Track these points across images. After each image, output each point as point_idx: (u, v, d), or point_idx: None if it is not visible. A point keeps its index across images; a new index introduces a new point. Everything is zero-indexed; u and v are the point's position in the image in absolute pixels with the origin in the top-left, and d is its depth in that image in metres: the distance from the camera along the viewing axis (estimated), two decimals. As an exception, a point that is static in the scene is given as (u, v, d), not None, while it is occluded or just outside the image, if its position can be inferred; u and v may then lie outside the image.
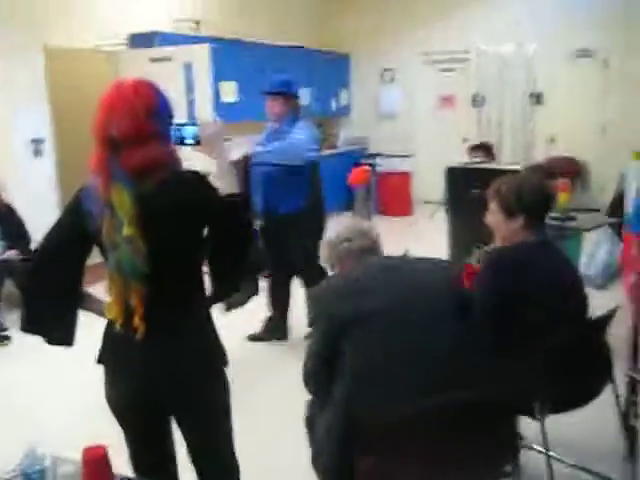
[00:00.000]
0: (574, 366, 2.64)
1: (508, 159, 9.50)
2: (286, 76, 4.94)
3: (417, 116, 10.86)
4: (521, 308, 2.59)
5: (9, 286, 5.65)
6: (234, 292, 2.12)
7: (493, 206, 2.83)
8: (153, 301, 1.94)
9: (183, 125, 2.19)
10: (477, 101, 10.00)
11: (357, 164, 10.00)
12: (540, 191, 2.80)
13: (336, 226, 2.56)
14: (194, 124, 2.19)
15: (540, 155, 9.26)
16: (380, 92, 11.13)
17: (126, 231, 1.87)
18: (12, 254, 5.69)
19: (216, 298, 2.11)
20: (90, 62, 7.64)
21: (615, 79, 9.21)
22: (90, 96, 7.68)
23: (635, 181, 4.79)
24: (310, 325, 2.38)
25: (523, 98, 9.66)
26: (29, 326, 2.05)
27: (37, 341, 2.08)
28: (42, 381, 4.58)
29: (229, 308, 2.12)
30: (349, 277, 2.34)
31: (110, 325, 2.03)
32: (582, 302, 2.83)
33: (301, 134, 4.59)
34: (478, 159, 5.97)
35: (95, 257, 2.06)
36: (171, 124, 2.04)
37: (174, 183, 1.95)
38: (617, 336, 3.00)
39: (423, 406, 1.95)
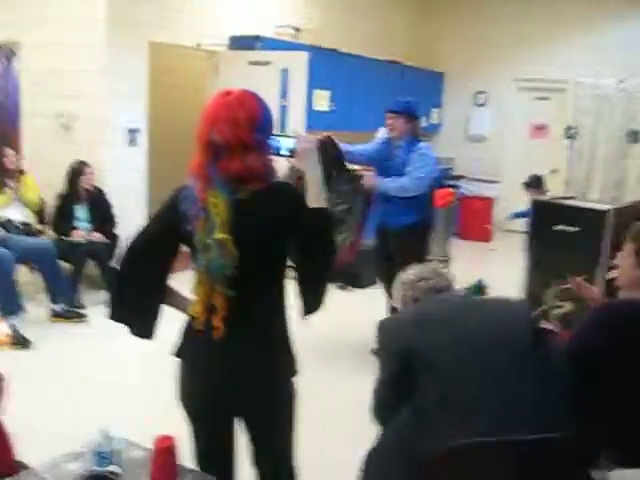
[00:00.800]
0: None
1: (596, 195, 9.25)
2: (410, 98, 5.12)
3: (506, 142, 10.71)
4: (615, 363, 2.36)
5: (91, 267, 5.88)
6: (319, 307, 2.15)
7: (627, 248, 2.60)
8: (235, 304, 2.01)
9: (280, 136, 2.26)
10: (570, 133, 9.78)
11: (441, 185, 9.89)
12: None
13: (411, 269, 2.60)
14: (291, 136, 2.26)
15: (631, 195, 8.98)
16: (471, 114, 11.03)
17: (218, 234, 1.94)
18: (97, 237, 5.92)
19: (305, 311, 2.14)
20: (191, 60, 7.88)
21: None
22: (187, 93, 7.87)
23: None
24: (377, 353, 2.39)
25: (619, 135, 9.38)
26: (115, 315, 2.15)
27: (115, 325, 2.16)
28: (117, 365, 4.72)
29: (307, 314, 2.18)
30: (421, 309, 2.39)
31: (191, 322, 2.10)
32: None
33: (423, 164, 4.80)
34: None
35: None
36: (271, 135, 2.11)
37: (267, 193, 2.02)
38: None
39: (488, 441, 1.93)
